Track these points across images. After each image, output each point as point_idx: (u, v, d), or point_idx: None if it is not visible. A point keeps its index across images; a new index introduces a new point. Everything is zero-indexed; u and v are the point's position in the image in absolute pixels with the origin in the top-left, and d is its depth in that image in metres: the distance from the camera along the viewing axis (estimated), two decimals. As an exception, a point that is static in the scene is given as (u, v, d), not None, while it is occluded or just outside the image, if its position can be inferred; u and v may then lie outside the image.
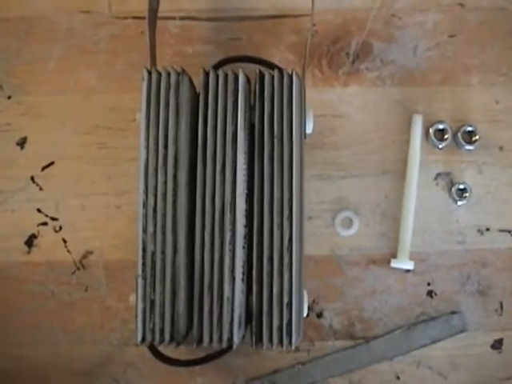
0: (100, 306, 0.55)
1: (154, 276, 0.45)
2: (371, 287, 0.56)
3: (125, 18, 0.58)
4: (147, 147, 0.45)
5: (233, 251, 0.45)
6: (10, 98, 0.57)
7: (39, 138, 0.57)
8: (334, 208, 0.57)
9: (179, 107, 0.46)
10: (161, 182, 0.45)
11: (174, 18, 0.58)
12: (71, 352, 0.55)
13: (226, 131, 0.46)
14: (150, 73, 0.46)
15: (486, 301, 0.56)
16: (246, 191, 0.46)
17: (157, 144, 0.45)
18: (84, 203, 0.56)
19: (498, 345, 0.56)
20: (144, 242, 0.45)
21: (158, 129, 0.45)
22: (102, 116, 0.57)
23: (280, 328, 0.45)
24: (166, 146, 0.45)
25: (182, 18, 0.58)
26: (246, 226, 0.46)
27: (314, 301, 0.56)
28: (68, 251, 0.56)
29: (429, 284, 0.56)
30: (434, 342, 0.56)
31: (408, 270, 0.56)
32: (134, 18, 0.57)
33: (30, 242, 0.56)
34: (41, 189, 0.56)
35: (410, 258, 0.55)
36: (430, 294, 0.56)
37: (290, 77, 0.46)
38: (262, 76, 0.47)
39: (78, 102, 0.57)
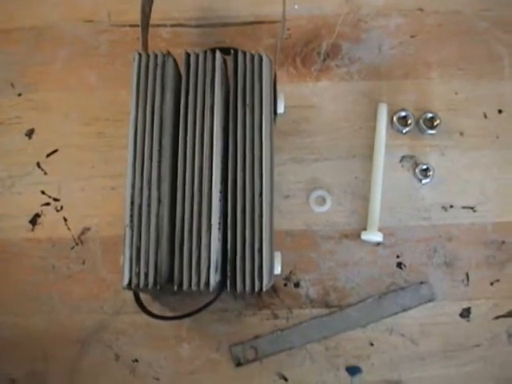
0: (95, 278, 0.60)
1: (140, 226, 0.50)
2: (344, 259, 0.61)
3: (123, 26, 0.66)
4: (136, 116, 0.52)
5: (209, 203, 0.50)
6: (20, 95, 0.64)
7: (45, 129, 0.64)
8: (308, 187, 0.62)
9: (164, 83, 0.53)
10: (148, 145, 0.51)
11: (165, 26, 0.66)
12: (68, 321, 0.60)
13: (205, 101, 0.52)
14: (140, 55, 0.53)
15: (452, 272, 0.61)
16: (221, 152, 0.52)
17: (144, 113, 0.52)
18: (84, 185, 0.62)
19: (466, 313, 0.60)
20: (132, 196, 0.51)
21: (146, 101, 0.52)
22: (101, 109, 0.64)
23: (252, 272, 0.50)
24: (152, 115, 0.52)
25: (172, 26, 0.66)
26: (221, 183, 0.52)
27: (291, 272, 0.60)
28: (68, 228, 0.61)
29: (398, 256, 0.61)
30: (404, 310, 0.60)
31: (378, 244, 0.61)
32: (131, 26, 0.66)
33: (34, 220, 0.62)
34: (45, 173, 0.63)
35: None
36: (399, 265, 0.61)
37: (260, 56, 0.53)
38: (236, 55, 0.54)
39: (81, 97, 0.64)
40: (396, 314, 0.60)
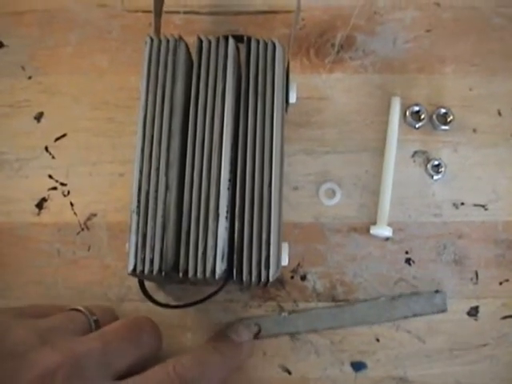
0: (101, 264, 0.60)
1: (146, 212, 0.50)
2: (352, 253, 0.60)
3: (135, 11, 0.65)
4: (146, 101, 0.51)
5: (218, 191, 0.50)
6: (30, 78, 0.64)
7: (54, 113, 0.63)
8: (318, 180, 0.62)
9: (176, 68, 0.52)
10: (157, 130, 0.51)
11: (178, 13, 0.65)
12: (72, 306, 0.59)
13: (216, 87, 0.51)
14: (152, 39, 0.53)
15: (461, 270, 0.60)
16: (231, 139, 0.52)
17: (155, 98, 0.51)
18: (91, 170, 0.62)
19: (474, 312, 0.59)
20: (139, 182, 0.50)
21: (157, 85, 0.52)
22: (112, 94, 0.63)
23: (258, 262, 0.50)
24: (163, 100, 0.51)
25: (185, 13, 0.65)
26: (230, 171, 0.51)
27: (298, 264, 0.60)
28: (74, 213, 0.61)
29: (407, 252, 0.60)
30: (414, 315, 0.59)
31: (387, 239, 0.60)
32: (144, 11, 0.65)
33: (40, 204, 0.61)
34: (53, 157, 0.62)
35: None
36: (408, 261, 0.60)
37: (273, 43, 0.53)
38: (248, 41, 0.53)
39: (91, 81, 0.64)
40: (406, 317, 0.59)
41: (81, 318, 0.51)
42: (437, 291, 0.59)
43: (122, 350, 0.49)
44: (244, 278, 0.50)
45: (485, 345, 0.59)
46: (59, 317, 0.50)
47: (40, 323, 0.48)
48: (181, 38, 0.53)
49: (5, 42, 0.65)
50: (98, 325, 0.51)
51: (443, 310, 0.59)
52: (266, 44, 0.53)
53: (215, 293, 0.55)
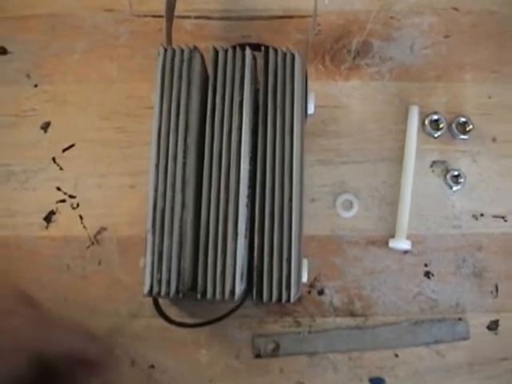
0: (111, 280, 0.58)
1: (162, 231, 0.48)
2: (370, 267, 0.59)
3: (144, 16, 0.63)
4: (160, 114, 0.49)
5: (236, 209, 0.48)
6: (36, 86, 0.62)
7: (62, 123, 0.61)
8: (335, 191, 0.60)
9: (191, 79, 0.50)
10: (172, 145, 0.49)
11: (189, 17, 0.63)
12: (82, 323, 0.57)
13: (233, 100, 0.50)
14: (165, 49, 0.51)
15: (481, 283, 0.59)
16: (250, 154, 0.50)
17: (169, 111, 0.50)
18: (101, 182, 0.60)
19: (494, 326, 0.58)
20: (155, 200, 0.48)
21: (171, 98, 0.50)
22: (121, 103, 0.61)
23: (279, 282, 0.48)
24: (177, 114, 0.49)
25: (196, 18, 0.63)
26: (249, 187, 0.50)
27: (315, 278, 0.58)
28: (84, 227, 0.59)
29: (426, 265, 0.59)
30: (436, 342, 0.57)
31: (405, 252, 0.59)
32: (153, 16, 0.63)
33: (48, 218, 0.59)
34: (61, 169, 0.60)
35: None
36: (427, 274, 0.59)
37: (292, 54, 0.51)
38: (266, 52, 0.51)
39: (99, 90, 0.62)
40: (427, 344, 0.57)
41: None
42: (460, 319, 0.58)
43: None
44: (264, 299, 0.48)
45: (505, 359, 0.57)
46: None
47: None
48: (195, 47, 0.51)
49: (9, 49, 0.63)
50: None
51: (465, 338, 0.58)
52: (284, 54, 0.51)
53: (233, 311, 0.54)
